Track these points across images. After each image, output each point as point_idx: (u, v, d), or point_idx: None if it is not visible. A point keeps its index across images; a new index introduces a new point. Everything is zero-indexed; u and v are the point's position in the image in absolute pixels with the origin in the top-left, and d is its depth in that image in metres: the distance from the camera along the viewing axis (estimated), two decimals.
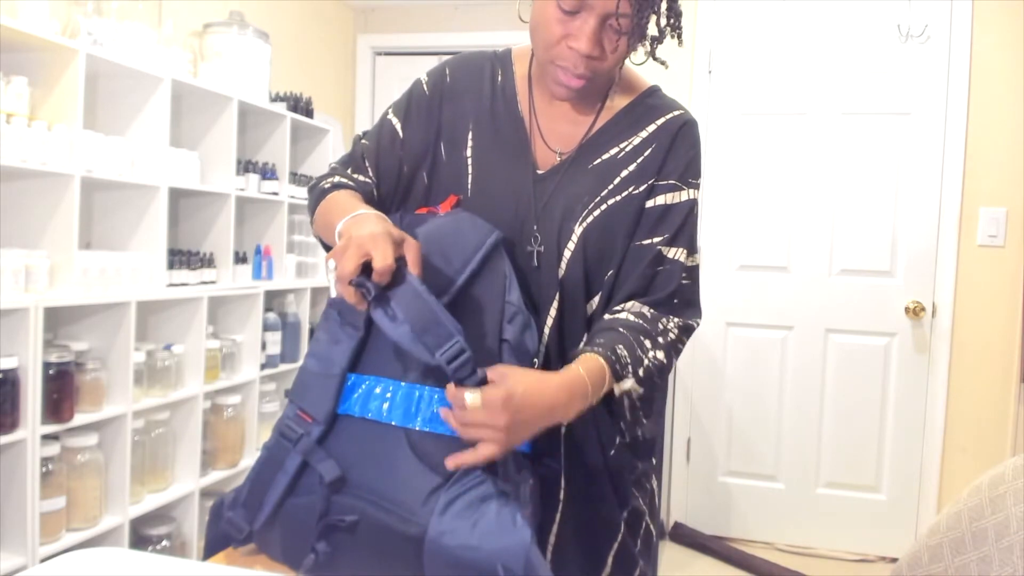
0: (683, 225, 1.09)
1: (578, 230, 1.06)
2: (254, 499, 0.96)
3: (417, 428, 0.91)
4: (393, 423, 0.92)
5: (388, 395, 0.93)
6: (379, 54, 4.11)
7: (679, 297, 1.08)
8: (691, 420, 3.25)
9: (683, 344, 1.10)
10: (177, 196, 2.55)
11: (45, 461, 1.94)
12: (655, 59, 1.06)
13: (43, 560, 1.87)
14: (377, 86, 4.11)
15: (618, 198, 1.08)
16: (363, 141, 1.16)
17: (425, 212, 1.09)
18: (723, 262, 3.19)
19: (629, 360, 0.99)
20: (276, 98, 3.04)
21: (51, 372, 1.96)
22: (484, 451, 0.86)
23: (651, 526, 1.17)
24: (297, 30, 3.53)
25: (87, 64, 2.08)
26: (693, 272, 1.11)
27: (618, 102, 1.13)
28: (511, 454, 0.91)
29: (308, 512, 0.92)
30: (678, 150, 1.10)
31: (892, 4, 2.98)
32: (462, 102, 1.14)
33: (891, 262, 3.04)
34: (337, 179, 1.10)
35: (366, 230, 0.88)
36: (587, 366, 0.96)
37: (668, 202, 1.09)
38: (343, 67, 3.98)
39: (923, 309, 3.00)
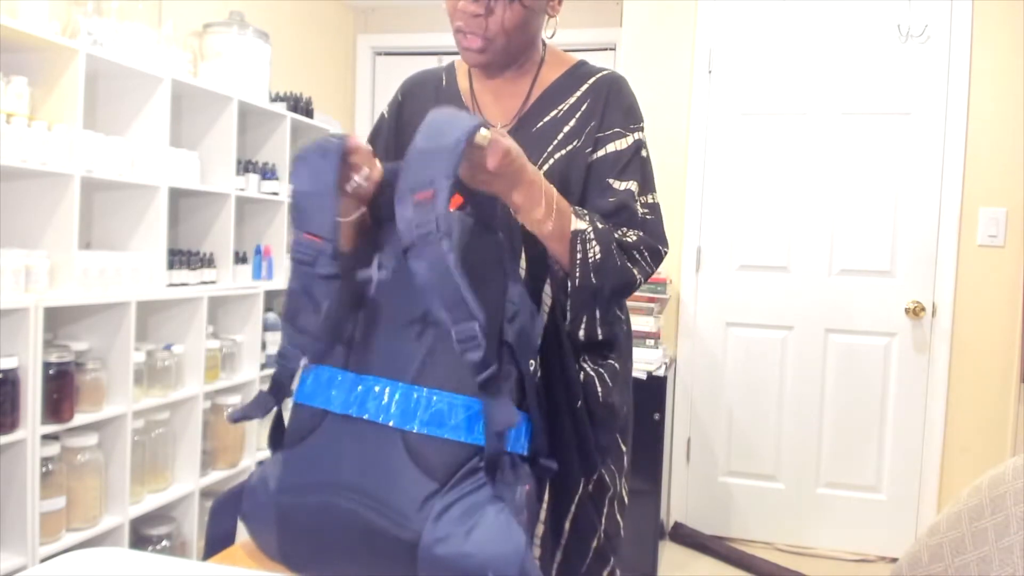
0: (629, 162, 1.19)
1: None
2: (303, 329, 0.95)
3: (415, 430, 0.91)
4: (391, 424, 0.92)
5: (386, 395, 0.93)
6: (379, 54, 4.11)
7: (645, 230, 1.17)
8: (691, 420, 3.25)
9: (647, 262, 1.17)
10: (177, 196, 2.55)
11: (45, 461, 1.94)
12: (548, 14, 1.20)
13: (43, 560, 1.87)
14: (377, 86, 4.11)
15: (563, 152, 1.19)
16: None
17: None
18: (723, 262, 3.19)
19: (587, 214, 1.09)
20: (276, 98, 3.04)
21: (51, 372, 1.96)
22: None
23: (618, 514, 1.23)
24: (297, 30, 3.53)
25: (87, 64, 2.08)
26: (655, 209, 1.20)
27: (550, 75, 1.25)
28: (507, 457, 0.91)
29: (305, 512, 0.92)
30: (613, 102, 1.21)
31: (892, 4, 2.98)
32: (415, 113, 1.25)
33: (891, 262, 3.04)
34: None
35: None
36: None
37: (615, 149, 1.20)
38: (343, 67, 3.98)
39: (923, 309, 3.00)
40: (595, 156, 1.19)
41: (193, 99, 2.61)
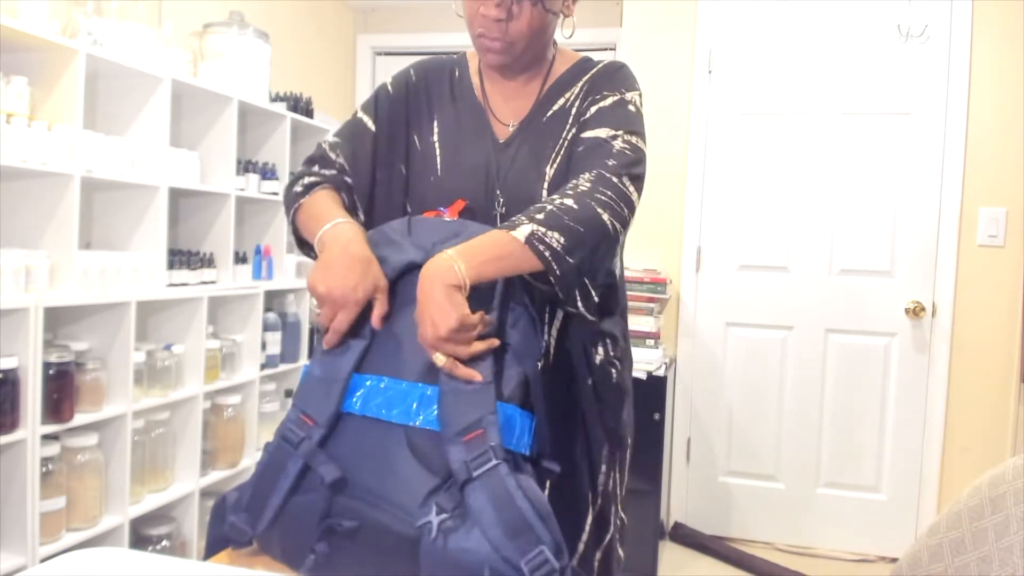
0: (611, 113, 1.17)
1: (550, 171, 1.18)
2: (256, 503, 0.96)
3: (417, 425, 0.91)
4: (394, 421, 0.92)
5: (390, 394, 0.93)
6: (379, 54, 4.11)
7: (613, 159, 1.10)
8: (691, 420, 3.25)
9: (610, 200, 1.05)
10: (177, 196, 2.55)
11: (45, 461, 1.94)
12: (564, 14, 1.20)
13: (43, 560, 1.87)
14: (377, 86, 4.11)
15: (573, 131, 1.20)
16: (330, 139, 1.27)
17: (432, 216, 1.10)
18: (723, 262, 3.19)
19: (523, 215, 1.01)
20: (276, 98, 3.04)
21: (51, 372, 1.95)
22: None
23: (622, 507, 1.28)
24: (297, 30, 3.53)
25: (87, 64, 2.08)
26: (637, 149, 1.13)
27: (559, 70, 1.27)
28: (511, 456, 0.91)
29: (307, 511, 0.92)
30: (606, 75, 1.24)
31: (892, 4, 2.98)
32: (426, 97, 1.27)
33: (891, 262, 3.04)
34: (307, 180, 1.19)
35: (340, 282, 0.98)
36: (468, 244, 1.00)
37: (597, 108, 1.19)
38: (343, 67, 3.99)
39: (923, 309, 3.00)
40: (584, 115, 1.19)
41: (193, 99, 2.61)
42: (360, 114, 1.27)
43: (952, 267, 2.96)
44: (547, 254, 0.99)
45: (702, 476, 3.25)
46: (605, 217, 1.04)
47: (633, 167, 1.10)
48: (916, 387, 3.03)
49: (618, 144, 1.12)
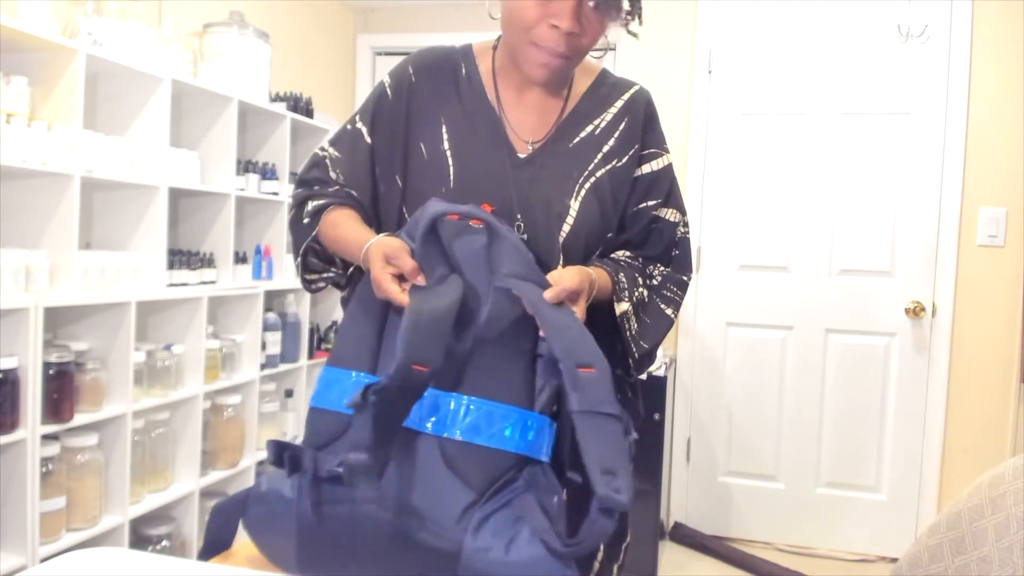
0: (671, 188, 1.23)
1: (575, 205, 1.14)
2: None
3: (453, 437, 0.88)
4: (428, 430, 0.89)
5: (426, 403, 0.89)
6: (379, 54, 4.11)
7: (678, 249, 1.24)
8: (691, 420, 3.25)
9: (674, 295, 1.22)
10: (177, 196, 2.55)
11: (45, 461, 1.94)
12: (629, 32, 1.14)
13: (43, 560, 1.87)
14: (376, 85, 4.11)
15: (605, 170, 1.17)
16: (330, 152, 1.21)
17: (456, 219, 1.03)
18: (723, 262, 3.19)
19: (626, 286, 1.14)
20: (276, 98, 3.04)
21: (51, 372, 1.95)
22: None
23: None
24: (297, 30, 3.52)
25: (87, 64, 2.08)
26: (687, 229, 1.27)
27: (580, 86, 1.22)
28: (541, 468, 0.89)
29: (331, 521, 0.90)
30: (651, 122, 1.24)
31: (892, 4, 2.98)
32: (430, 99, 1.18)
33: (891, 262, 3.04)
34: (313, 204, 1.17)
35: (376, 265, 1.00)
36: (596, 271, 1.10)
37: (654, 169, 1.22)
38: (343, 67, 3.98)
39: (923, 309, 3.00)
40: (636, 173, 1.21)
41: (193, 99, 2.60)
42: (359, 123, 1.20)
43: (952, 267, 2.96)
44: (629, 333, 1.14)
45: (702, 476, 3.25)
46: (671, 311, 1.21)
47: (689, 267, 1.27)
48: (916, 387, 3.03)
49: (681, 231, 1.25)
